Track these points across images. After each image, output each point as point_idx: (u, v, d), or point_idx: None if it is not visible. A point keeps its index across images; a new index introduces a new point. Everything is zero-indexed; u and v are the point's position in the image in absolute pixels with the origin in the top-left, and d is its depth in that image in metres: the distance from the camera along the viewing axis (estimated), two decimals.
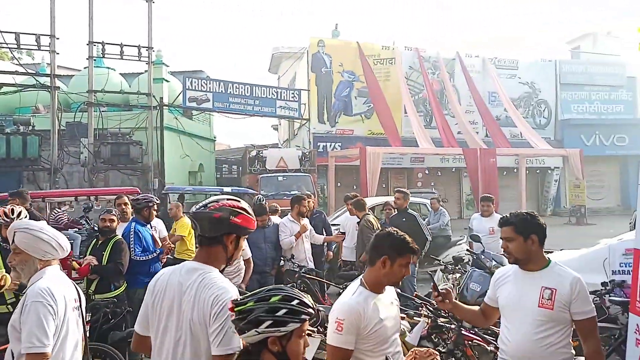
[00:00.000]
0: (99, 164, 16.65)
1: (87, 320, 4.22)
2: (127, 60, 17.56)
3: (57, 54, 16.15)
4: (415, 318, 3.98)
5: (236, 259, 2.27)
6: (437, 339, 3.97)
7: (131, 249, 4.99)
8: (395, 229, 2.54)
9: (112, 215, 5.10)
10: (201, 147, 22.19)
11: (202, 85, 19.25)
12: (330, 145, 21.68)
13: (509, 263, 2.83)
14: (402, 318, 4.23)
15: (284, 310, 1.76)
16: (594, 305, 2.65)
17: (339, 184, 20.35)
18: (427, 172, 23.14)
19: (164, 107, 18.30)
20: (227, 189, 11.39)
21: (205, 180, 23.11)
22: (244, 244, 3.74)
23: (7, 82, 16.93)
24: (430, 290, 2.87)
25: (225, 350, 1.93)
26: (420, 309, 4.12)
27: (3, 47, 17.21)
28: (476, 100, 23.09)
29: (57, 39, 16.04)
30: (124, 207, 5.96)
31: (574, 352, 2.69)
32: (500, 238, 2.84)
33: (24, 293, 2.49)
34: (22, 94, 17.82)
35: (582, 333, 2.65)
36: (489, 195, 7.75)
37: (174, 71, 22.38)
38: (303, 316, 1.80)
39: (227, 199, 2.19)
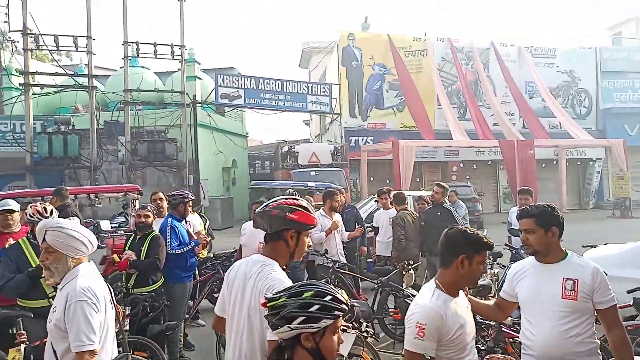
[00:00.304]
0: (136, 161, 17.06)
1: (127, 313, 4.31)
2: (161, 59, 17.92)
3: (94, 54, 16.64)
4: None
5: (302, 253, 2.39)
6: (476, 337, 3.87)
7: (167, 243, 5.05)
8: (468, 226, 2.46)
9: (146, 211, 5.16)
10: (234, 143, 22.42)
11: (233, 82, 19.44)
12: (362, 140, 21.55)
13: (527, 254, 2.81)
14: None
15: (316, 306, 1.72)
16: (614, 294, 2.60)
17: (371, 179, 20.21)
18: (462, 165, 22.70)
19: (197, 105, 18.56)
20: (312, 184, 11.63)
21: (238, 176, 23.35)
22: None
23: (48, 83, 17.54)
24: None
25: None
26: None
27: (43, 50, 17.83)
28: (512, 91, 22.47)
29: (94, 39, 16.53)
30: (159, 202, 6.04)
31: (598, 342, 2.64)
32: (519, 230, 2.82)
33: (61, 289, 2.55)
34: (62, 95, 18.43)
35: (606, 323, 2.60)
36: (527, 188, 7.51)
37: (206, 69, 22.66)
38: (336, 312, 1.76)
39: (286, 198, 2.38)
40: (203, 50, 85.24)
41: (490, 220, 16.67)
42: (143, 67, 20.56)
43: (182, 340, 5.26)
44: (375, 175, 20.88)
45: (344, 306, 1.78)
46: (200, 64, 20.95)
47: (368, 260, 8.07)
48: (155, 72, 21.72)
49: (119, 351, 2.99)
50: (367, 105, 22.19)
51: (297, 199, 2.38)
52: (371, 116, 22.18)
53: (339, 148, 17.86)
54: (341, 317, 1.79)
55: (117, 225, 10.92)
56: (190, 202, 5.69)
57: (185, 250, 5.17)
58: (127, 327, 4.23)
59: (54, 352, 2.49)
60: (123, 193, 8.76)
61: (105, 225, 10.18)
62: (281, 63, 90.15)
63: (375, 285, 5.42)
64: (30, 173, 16.04)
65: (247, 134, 26.21)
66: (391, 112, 22.38)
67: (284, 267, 2.33)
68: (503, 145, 19.45)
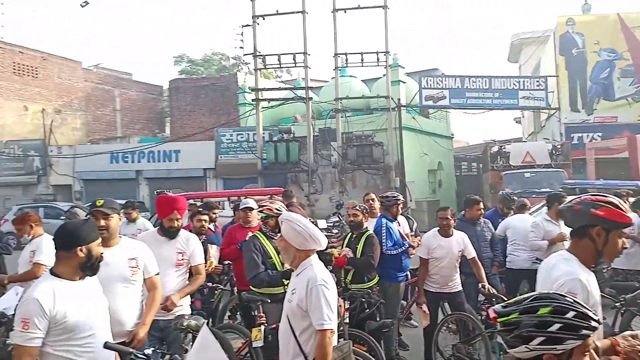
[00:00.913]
0: (347, 164, 18.16)
1: (346, 307, 4.57)
2: (367, 67, 18.76)
3: (309, 68, 18.33)
4: None
5: (613, 254, 2.26)
6: None
7: (383, 244, 5.21)
8: None
9: (355, 210, 5.41)
10: (439, 145, 22.11)
11: (437, 83, 19.26)
12: (587, 136, 18.99)
13: None
14: None
15: (557, 325, 1.49)
16: None
17: (601, 180, 17.66)
18: None
19: (402, 108, 18.84)
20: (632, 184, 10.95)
21: (444, 178, 22.94)
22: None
23: (273, 97, 19.98)
24: None
25: None
26: None
27: (269, 68, 20.37)
28: None
29: (309, 55, 18.21)
30: (371, 203, 6.26)
31: None
32: None
33: (297, 275, 2.84)
34: (283, 107, 20.75)
35: None
36: None
37: (410, 72, 22.87)
38: (584, 332, 1.50)
39: (593, 195, 2.28)
40: (406, 54, 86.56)
41: None
42: (351, 76, 21.79)
43: (397, 339, 5.35)
44: (605, 175, 18.14)
45: (593, 323, 1.53)
46: (404, 68, 21.26)
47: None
48: (362, 80, 22.81)
49: (338, 341, 3.18)
50: (593, 97, 19.47)
51: (607, 196, 2.23)
52: (598, 109, 19.39)
53: (559, 146, 16.07)
54: (592, 336, 1.54)
55: (331, 224, 11.74)
56: (402, 204, 5.78)
57: (400, 251, 5.26)
58: (347, 320, 4.48)
59: (292, 328, 2.77)
60: (269, 196, 9.53)
61: (322, 224, 11.01)
62: (487, 60, 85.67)
63: (617, 304, 4.67)
64: (261, 176, 18.49)
65: (452, 135, 25.58)
66: (624, 103, 19.21)
67: (593, 265, 2.23)
68: None
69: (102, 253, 2.64)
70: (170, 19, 75.72)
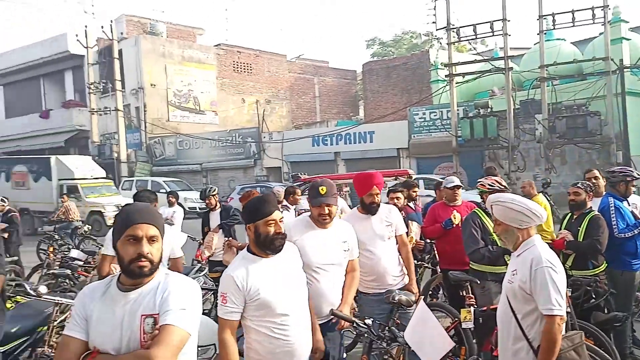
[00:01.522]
0: (554, 139, 16.47)
1: (569, 295, 4.15)
2: (579, 27, 16.58)
3: (509, 36, 16.95)
4: None
5: None
6: None
7: (614, 226, 4.58)
8: None
9: (577, 188, 4.86)
10: None
11: None
12: None
13: None
14: None
15: None
16: None
17: None
18: None
19: (625, 70, 16.28)
20: None
21: None
22: None
23: (468, 71, 19.06)
24: None
25: None
26: None
27: (462, 41, 19.45)
28: None
29: (509, 21, 16.83)
30: (594, 181, 5.57)
31: None
32: None
33: (517, 256, 2.66)
34: (479, 80, 19.68)
35: None
36: None
37: (636, 27, 19.43)
38: None
39: None
40: (631, 5, 73.27)
41: None
42: (558, 39, 19.57)
43: (631, 335, 4.67)
44: None
45: None
46: (627, 22, 18.23)
47: None
48: (572, 42, 20.33)
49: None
50: None
51: None
52: None
53: None
54: None
55: None
56: (633, 181, 4.99)
57: (636, 233, 4.56)
58: (569, 310, 4.07)
59: (513, 311, 2.63)
60: (395, 177, 9.00)
61: None
62: None
63: None
64: (456, 154, 17.93)
65: None
66: None
67: None
68: None
69: (277, 232, 2.54)
70: (362, 4, 77.97)
